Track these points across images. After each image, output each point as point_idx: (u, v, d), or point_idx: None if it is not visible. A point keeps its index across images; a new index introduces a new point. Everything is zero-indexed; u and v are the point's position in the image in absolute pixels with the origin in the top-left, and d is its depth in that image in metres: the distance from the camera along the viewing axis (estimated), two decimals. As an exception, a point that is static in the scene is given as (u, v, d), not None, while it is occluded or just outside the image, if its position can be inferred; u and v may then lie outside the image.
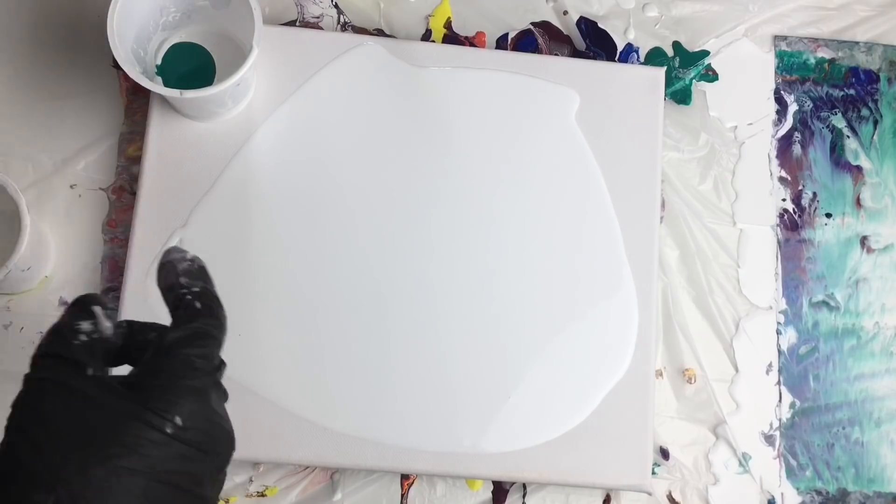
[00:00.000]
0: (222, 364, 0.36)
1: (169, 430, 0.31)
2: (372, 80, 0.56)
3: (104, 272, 0.54)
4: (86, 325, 0.33)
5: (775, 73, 0.61)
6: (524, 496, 0.54)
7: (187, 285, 0.35)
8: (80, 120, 0.56)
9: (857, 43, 0.62)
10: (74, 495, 0.29)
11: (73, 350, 0.32)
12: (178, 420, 0.32)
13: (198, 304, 0.35)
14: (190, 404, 0.32)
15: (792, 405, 0.57)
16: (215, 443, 0.33)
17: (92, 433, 0.30)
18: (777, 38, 0.61)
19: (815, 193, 0.59)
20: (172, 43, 0.55)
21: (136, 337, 0.35)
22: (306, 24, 0.58)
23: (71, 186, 0.55)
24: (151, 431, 0.31)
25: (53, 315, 0.53)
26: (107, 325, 0.34)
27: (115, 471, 0.30)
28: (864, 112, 0.61)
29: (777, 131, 0.60)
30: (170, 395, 0.32)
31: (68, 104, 0.56)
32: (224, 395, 0.36)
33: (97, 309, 0.34)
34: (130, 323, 0.36)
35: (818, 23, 0.62)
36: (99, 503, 0.29)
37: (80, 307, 0.34)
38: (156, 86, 0.49)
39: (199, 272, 0.36)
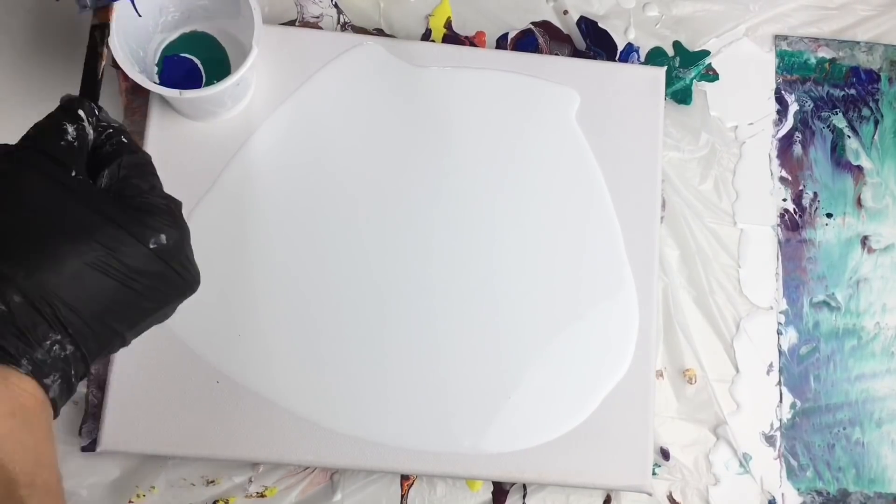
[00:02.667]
0: None
1: (153, 246, 0.32)
2: (372, 80, 0.56)
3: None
4: (71, 130, 0.33)
5: (776, 72, 0.61)
6: (524, 497, 0.54)
7: (106, 119, 0.36)
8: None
9: (857, 43, 0.62)
10: (43, 282, 0.29)
11: (58, 149, 0.32)
12: (164, 238, 0.32)
13: (124, 140, 0.36)
14: (174, 230, 0.33)
15: (793, 405, 0.56)
16: (191, 273, 0.34)
17: (72, 226, 0.30)
18: (778, 38, 0.61)
19: (815, 193, 0.59)
20: (176, 38, 0.55)
21: (103, 141, 0.35)
22: (306, 24, 0.58)
23: (71, 186, 0.55)
24: (134, 242, 0.31)
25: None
26: (90, 133, 0.34)
27: (89, 267, 0.30)
28: (865, 112, 0.61)
29: (778, 131, 0.60)
30: (159, 214, 0.32)
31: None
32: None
33: (82, 113, 0.34)
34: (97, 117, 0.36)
35: (819, 22, 0.62)
36: (65, 294, 0.30)
37: (65, 110, 0.34)
38: (156, 86, 0.49)
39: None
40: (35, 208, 0.30)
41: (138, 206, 0.33)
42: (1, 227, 0.30)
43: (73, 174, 0.32)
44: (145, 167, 0.35)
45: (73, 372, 0.31)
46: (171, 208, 0.34)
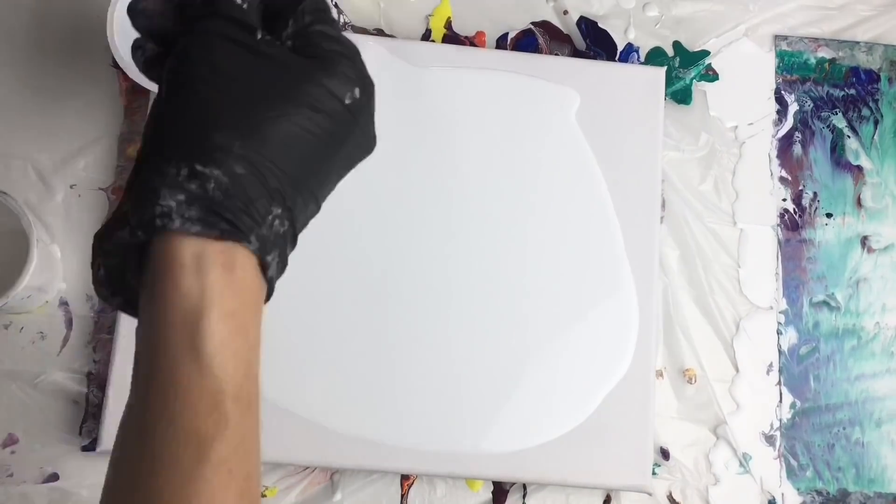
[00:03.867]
0: None
1: (348, 101, 0.30)
2: (372, 80, 0.56)
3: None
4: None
5: (776, 72, 0.61)
6: (524, 497, 0.54)
7: None
8: (80, 120, 0.56)
9: (857, 43, 0.62)
10: (259, 150, 0.28)
11: (239, 11, 0.30)
12: (357, 92, 0.31)
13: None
14: (364, 82, 0.31)
15: (792, 405, 0.56)
16: (373, 130, 0.33)
17: (274, 91, 0.29)
18: (777, 38, 0.61)
19: (815, 193, 0.59)
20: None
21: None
22: (306, 24, 0.58)
23: (71, 186, 0.55)
24: (333, 99, 0.30)
25: (55, 315, 0.53)
26: None
27: (298, 129, 0.29)
28: (865, 112, 0.61)
29: (777, 131, 0.60)
30: (349, 65, 0.31)
31: (68, 104, 0.56)
32: None
33: None
34: None
35: (819, 22, 0.62)
36: (280, 161, 0.29)
37: None
38: (156, 86, 0.49)
39: None
40: (234, 77, 0.29)
41: (327, 56, 0.31)
42: (205, 98, 0.29)
43: (260, 36, 0.30)
44: (325, 9, 0.32)
45: (287, 249, 0.30)
46: (358, 57, 0.32)
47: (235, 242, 0.28)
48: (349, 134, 0.31)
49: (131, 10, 0.32)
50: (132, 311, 0.29)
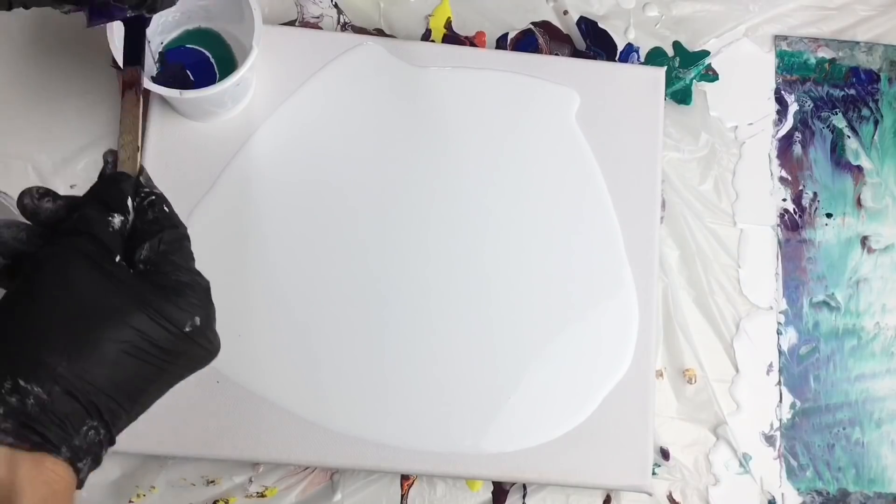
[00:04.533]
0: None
1: (188, 329, 0.32)
2: (372, 80, 0.56)
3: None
4: (118, 220, 0.33)
5: (776, 72, 0.61)
6: (524, 497, 0.54)
7: (148, 185, 0.36)
8: (80, 120, 0.56)
9: (857, 43, 0.62)
10: (83, 371, 0.30)
11: (106, 235, 0.32)
12: (198, 321, 0.33)
13: (166, 209, 0.36)
14: (205, 310, 0.33)
15: (792, 405, 0.56)
16: (214, 345, 0.34)
17: (113, 314, 0.31)
18: (777, 38, 0.61)
19: (815, 193, 0.59)
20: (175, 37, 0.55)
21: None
22: (306, 24, 0.58)
23: (71, 186, 0.55)
24: (172, 328, 0.32)
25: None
26: (131, 210, 0.34)
27: (126, 354, 0.31)
28: (865, 112, 0.61)
29: (777, 131, 0.60)
30: (193, 296, 0.33)
31: (68, 104, 0.56)
32: None
33: (129, 204, 0.34)
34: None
35: (819, 23, 0.62)
36: (103, 382, 0.30)
37: (111, 183, 0.34)
38: (156, 86, 0.49)
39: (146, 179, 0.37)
40: (77, 296, 0.31)
41: (174, 286, 0.33)
42: (45, 313, 0.31)
43: (117, 259, 0.33)
44: (183, 242, 0.35)
45: (102, 452, 0.32)
46: (203, 287, 0.34)
47: (46, 453, 0.30)
48: (185, 354, 0.33)
49: None
50: None
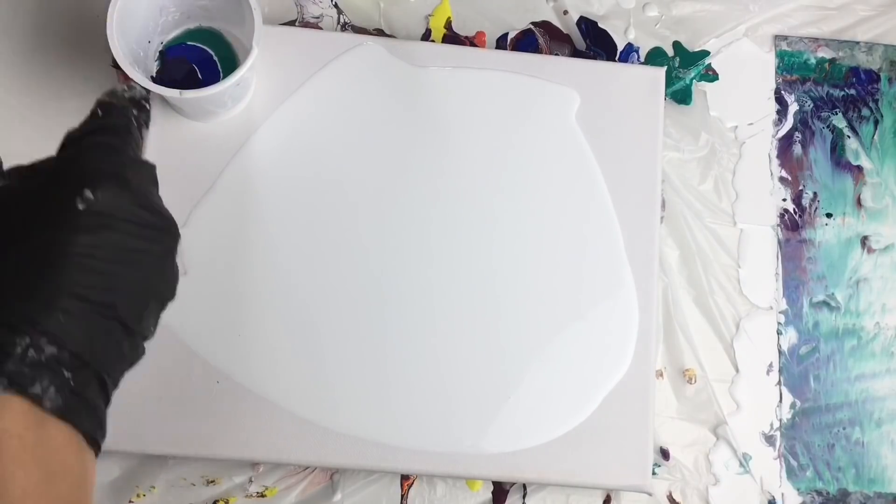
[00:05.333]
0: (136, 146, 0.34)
1: (81, 206, 0.29)
2: (372, 80, 0.56)
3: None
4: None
5: (776, 72, 0.61)
6: (524, 497, 0.54)
7: (101, 98, 0.35)
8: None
9: (857, 43, 0.62)
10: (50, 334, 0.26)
11: None
12: (88, 193, 0.29)
13: (99, 113, 0.34)
14: (109, 185, 0.29)
15: (792, 405, 0.56)
16: (163, 217, 0.31)
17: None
18: (777, 38, 0.61)
19: (815, 193, 0.59)
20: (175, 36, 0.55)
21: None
22: (306, 24, 0.58)
23: (71, 186, 0.55)
24: (62, 211, 0.28)
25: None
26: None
27: (66, 259, 0.27)
28: (865, 112, 0.61)
29: (777, 131, 0.60)
30: (80, 173, 0.30)
31: (68, 104, 0.56)
32: (154, 180, 0.33)
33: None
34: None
35: (819, 22, 0.62)
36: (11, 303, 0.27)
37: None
38: (155, 86, 0.49)
39: (126, 97, 0.35)
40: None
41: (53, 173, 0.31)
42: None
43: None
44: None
45: (64, 371, 0.27)
46: (90, 153, 0.32)
47: None
48: (108, 241, 0.29)
49: None
50: None
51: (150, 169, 0.34)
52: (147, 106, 0.36)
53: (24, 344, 0.26)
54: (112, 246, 0.29)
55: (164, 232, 0.31)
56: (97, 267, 0.28)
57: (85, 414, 0.28)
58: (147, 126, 0.35)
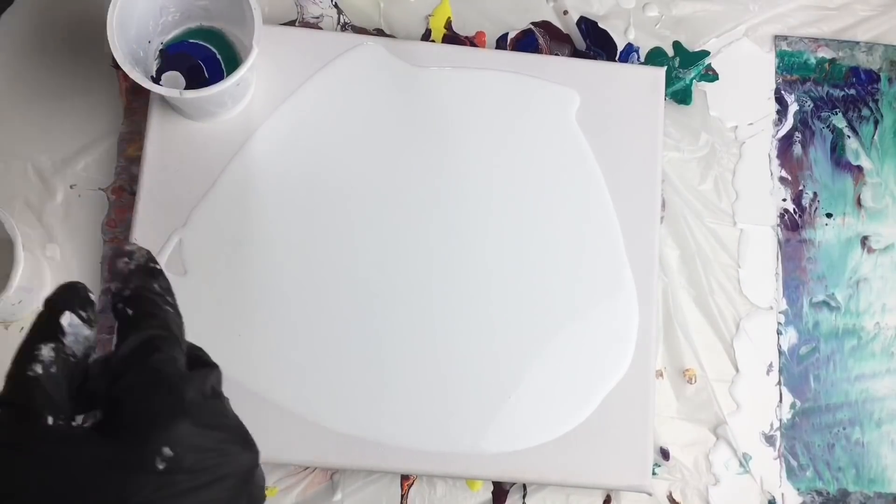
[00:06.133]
0: (205, 364, 0.31)
1: (161, 466, 0.25)
2: (372, 80, 0.56)
3: (104, 272, 0.54)
4: (46, 352, 0.26)
5: (776, 72, 0.61)
6: (524, 497, 0.54)
7: (118, 291, 0.30)
8: (80, 120, 0.56)
9: (857, 43, 0.62)
10: None
11: (26, 392, 0.26)
12: (167, 450, 0.26)
13: (129, 312, 0.29)
14: (175, 425, 0.26)
15: (792, 405, 0.56)
16: (226, 455, 0.27)
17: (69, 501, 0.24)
18: (777, 38, 0.61)
19: (815, 193, 0.59)
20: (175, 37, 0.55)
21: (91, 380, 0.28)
22: (306, 24, 0.58)
23: (71, 186, 0.55)
24: (141, 475, 0.25)
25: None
26: (85, 334, 0.28)
27: None
28: (865, 112, 0.61)
29: (777, 131, 0.60)
30: (145, 423, 0.26)
31: (68, 104, 0.56)
32: (218, 395, 0.31)
33: (66, 321, 0.27)
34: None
35: (819, 22, 0.62)
36: None
37: (45, 321, 0.27)
38: (155, 86, 0.49)
39: (135, 271, 0.30)
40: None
41: (134, 419, 0.26)
42: None
43: (50, 421, 0.26)
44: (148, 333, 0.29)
45: None
46: (175, 378, 0.28)
47: None
48: (189, 488, 0.26)
49: None
50: None
51: (217, 375, 0.31)
52: (159, 267, 0.32)
53: None
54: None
55: (244, 448, 0.29)
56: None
57: None
58: (172, 295, 0.31)
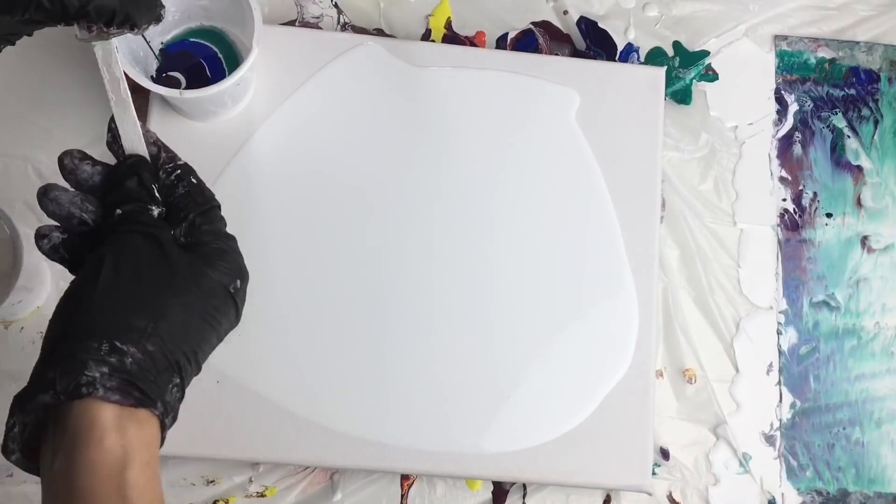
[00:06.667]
0: None
1: (232, 290, 0.36)
2: (372, 80, 0.56)
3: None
4: (156, 210, 0.36)
5: (776, 72, 0.61)
6: (524, 497, 0.54)
7: (168, 155, 0.39)
8: (80, 120, 0.56)
9: (857, 43, 0.62)
10: (166, 331, 0.33)
11: (153, 223, 0.36)
12: (239, 283, 0.37)
13: (194, 180, 0.38)
14: (244, 273, 0.37)
15: (792, 405, 0.56)
16: (242, 309, 0.37)
17: (179, 284, 0.34)
18: (777, 38, 0.61)
19: (815, 193, 0.59)
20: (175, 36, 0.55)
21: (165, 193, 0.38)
22: (306, 24, 0.58)
23: (71, 186, 0.55)
24: (221, 288, 0.35)
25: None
26: (157, 186, 0.37)
27: (192, 313, 0.34)
28: (865, 112, 0.61)
29: (777, 131, 0.60)
30: (231, 260, 0.37)
31: (68, 104, 0.56)
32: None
33: (155, 192, 0.37)
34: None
35: (819, 22, 0.62)
36: (181, 341, 0.34)
37: (131, 172, 0.37)
38: (155, 86, 0.49)
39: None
40: (147, 269, 0.34)
41: (216, 254, 0.36)
42: (125, 285, 0.34)
43: (167, 239, 0.36)
44: (215, 211, 0.38)
45: (178, 407, 0.35)
46: (237, 251, 0.38)
47: (146, 409, 0.32)
48: (227, 315, 0.36)
49: (41, 196, 0.36)
50: (29, 468, 0.33)
51: None
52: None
53: (175, 382, 0.34)
54: (227, 324, 0.37)
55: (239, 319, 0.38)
56: (213, 338, 0.36)
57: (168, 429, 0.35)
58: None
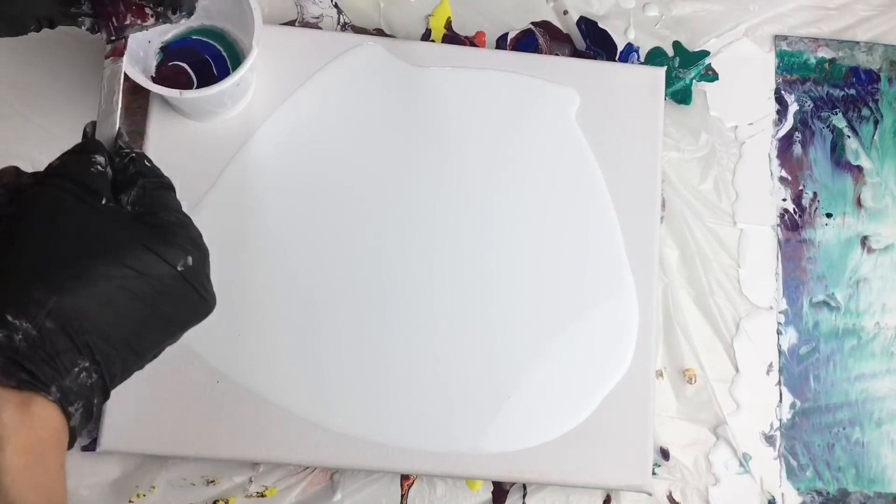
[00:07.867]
0: None
1: (180, 268, 0.32)
2: (372, 80, 0.56)
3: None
4: (100, 158, 0.33)
5: (776, 72, 0.61)
6: (524, 497, 0.54)
7: (127, 145, 0.36)
8: (80, 120, 0.55)
9: (857, 43, 0.62)
10: (74, 306, 0.29)
11: (88, 176, 0.32)
12: (190, 260, 0.32)
13: (147, 164, 0.36)
14: (197, 251, 0.33)
15: (792, 405, 0.56)
16: (210, 294, 0.34)
17: (104, 250, 0.30)
18: (777, 38, 0.61)
19: (815, 193, 0.59)
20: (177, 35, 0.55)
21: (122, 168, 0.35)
22: (306, 24, 0.58)
23: (71, 186, 0.55)
24: (164, 264, 0.31)
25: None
26: (114, 161, 0.34)
27: (119, 290, 0.30)
28: (865, 112, 0.61)
29: (777, 131, 0.60)
30: (183, 235, 0.32)
31: (68, 104, 0.56)
32: None
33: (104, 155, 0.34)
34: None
35: (819, 22, 0.62)
36: (95, 318, 0.29)
37: (90, 142, 0.34)
38: (155, 86, 0.49)
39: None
40: (68, 232, 0.30)
41: (165, 226, 0.32)
42: (35, 249, 0.30)
43: (104, 201, 0.32)
44: (168, 191, 0.35)
45: (94, 400, 0.31)
46: (193, 228, 0.34)
47: (34, 392, 0.29)
48: (182, 298, 0.32)
49: None
50: None
51: None
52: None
53: (83, 366, 0.30)
54: (177, 310, 0.33)
55: (211, 305, 0.35)
56: (157, 323, 0.32)
57: (86, 424, 0.31)
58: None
